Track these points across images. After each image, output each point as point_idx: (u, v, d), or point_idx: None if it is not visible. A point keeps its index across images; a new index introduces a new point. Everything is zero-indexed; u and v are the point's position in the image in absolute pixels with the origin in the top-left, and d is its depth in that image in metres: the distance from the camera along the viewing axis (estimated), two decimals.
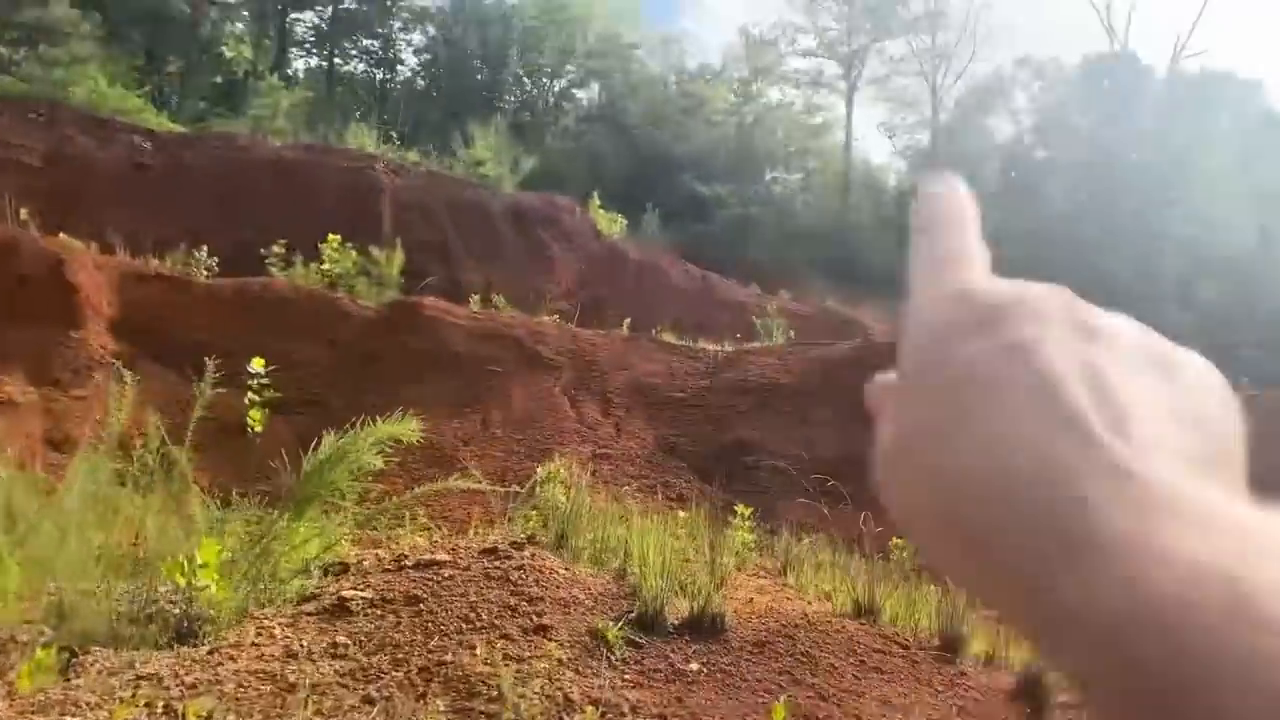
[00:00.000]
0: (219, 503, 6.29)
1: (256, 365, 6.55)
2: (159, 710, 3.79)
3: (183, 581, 4.59)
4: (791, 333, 17.08)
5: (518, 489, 7.63)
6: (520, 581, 5.44)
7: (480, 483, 6.99)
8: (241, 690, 4.07)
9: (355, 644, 4.62)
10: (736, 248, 26.98)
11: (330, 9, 33.28)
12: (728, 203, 30.77)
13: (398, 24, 34.72)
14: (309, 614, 4.92)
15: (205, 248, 12.90)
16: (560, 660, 4.72)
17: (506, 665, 4.51)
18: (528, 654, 4.71)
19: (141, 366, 9.18)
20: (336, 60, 34.28)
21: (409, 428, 6.21)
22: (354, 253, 14.40)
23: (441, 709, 4.15)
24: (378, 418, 6.13)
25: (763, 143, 36.49)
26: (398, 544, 6.36)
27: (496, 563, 5.65)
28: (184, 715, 3.74)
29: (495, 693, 4.28)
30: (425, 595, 5.14)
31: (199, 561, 4.61)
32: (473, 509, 8.10)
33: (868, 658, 5.60)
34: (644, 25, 40.39)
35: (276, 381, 9.51)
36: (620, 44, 35.84)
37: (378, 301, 13.29)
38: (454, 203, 19.18)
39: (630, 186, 26.98)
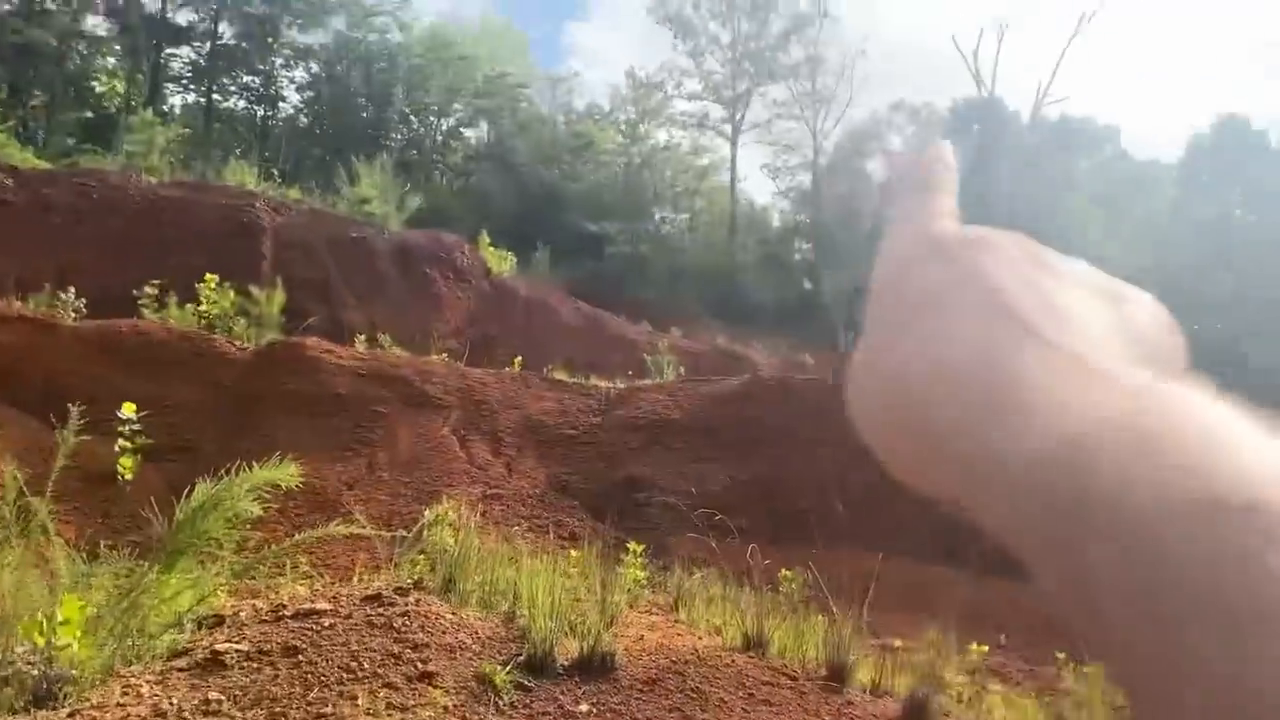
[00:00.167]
0: (85, 556, 5.99)
1: (128, 410, 6.32)
2: None
3: (41, 641, 4.34)
4: (682, 369, 17.26)
5: (404, 533, 7.44)
6: (405, 628, 5.31)
7: (365, 528, 6.82)
8: None
9: (229, 699, 4.43)
10: (627, 286, 27.16)
11: (208, 45, 32.36)
12: (617, 241, 31.00)
13: (279, 60, 33.96)
14: (180, 670, 4.70)
15: (72, 289, 12.38)
16: (446, 708, 4.62)
17: (390, 715, 4.39)
18: (412, 702, 4.60)
19: (0, 413, 8.70)
20: (216, 96, 33.24)
21: (288, 472, 6.03)
22: (232, 292, 13.90)
23: None
24: (255, 463, 5.94)
25: (651, 182, 36.99)
26: (277, 593, 6.14)
27: (380, 609, 5.51)
28: None
29: None
30: (304, 645, 4.97)
31: (60, 618, 4.37)
32: (357, 555, 7.89)
33: (756, 690, 5.65)
34: (532, 66, 40.66)
35: (148, 427, 9.14)
36: (508, 84, 35.84)
37: (257, 342, 12.90)
38: (337, 241, 18.80)
39: (520, 224, 26.91)
